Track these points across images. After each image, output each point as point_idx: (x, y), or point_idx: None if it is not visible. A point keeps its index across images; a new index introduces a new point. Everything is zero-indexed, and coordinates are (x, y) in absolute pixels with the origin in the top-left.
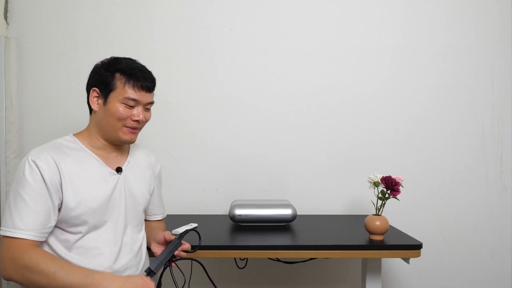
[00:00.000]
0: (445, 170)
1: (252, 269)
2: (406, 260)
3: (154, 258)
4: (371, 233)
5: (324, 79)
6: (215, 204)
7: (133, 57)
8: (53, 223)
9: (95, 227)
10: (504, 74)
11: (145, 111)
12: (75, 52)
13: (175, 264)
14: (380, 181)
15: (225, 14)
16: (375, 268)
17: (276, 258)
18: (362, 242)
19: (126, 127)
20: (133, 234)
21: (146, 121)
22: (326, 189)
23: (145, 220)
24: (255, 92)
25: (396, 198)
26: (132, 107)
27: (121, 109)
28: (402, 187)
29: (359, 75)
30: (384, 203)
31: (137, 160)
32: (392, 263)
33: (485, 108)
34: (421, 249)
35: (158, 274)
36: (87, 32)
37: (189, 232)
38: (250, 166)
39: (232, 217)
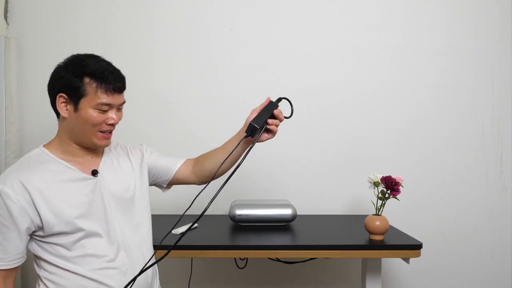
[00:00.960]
0: (445, 170)
1: (252, 269)
2: (406, 260)
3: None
4: (371, 233)
5: (324, 79)
6: (215, 204)
7: (133, 57)
8: (22, 249)
9: (85, 235)
10: (504, 74)
11: (118, 111)
12: (75, 52)
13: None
14: (380, 181)
15: (225, 14)
16: (375, 268)
17: (276, 258)
18: (362, 242)
19: (101, 131)
20: (130, 232)
21: (119, 121)
22: (326, 189)
23: (176, 176)
24: (255, 92)
25: (396, 198)
26: (105, 111)
27: (95, 114)
28: (402, 187)
29: (359, 75)
30: (384, 203)
31: (115, 156)
32: (392, 263)
33: (485, 108)
34: (421, 249)
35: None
36: (87, 32)
37: (191, 230)
38: (250, 166)
39: (232, 217)
